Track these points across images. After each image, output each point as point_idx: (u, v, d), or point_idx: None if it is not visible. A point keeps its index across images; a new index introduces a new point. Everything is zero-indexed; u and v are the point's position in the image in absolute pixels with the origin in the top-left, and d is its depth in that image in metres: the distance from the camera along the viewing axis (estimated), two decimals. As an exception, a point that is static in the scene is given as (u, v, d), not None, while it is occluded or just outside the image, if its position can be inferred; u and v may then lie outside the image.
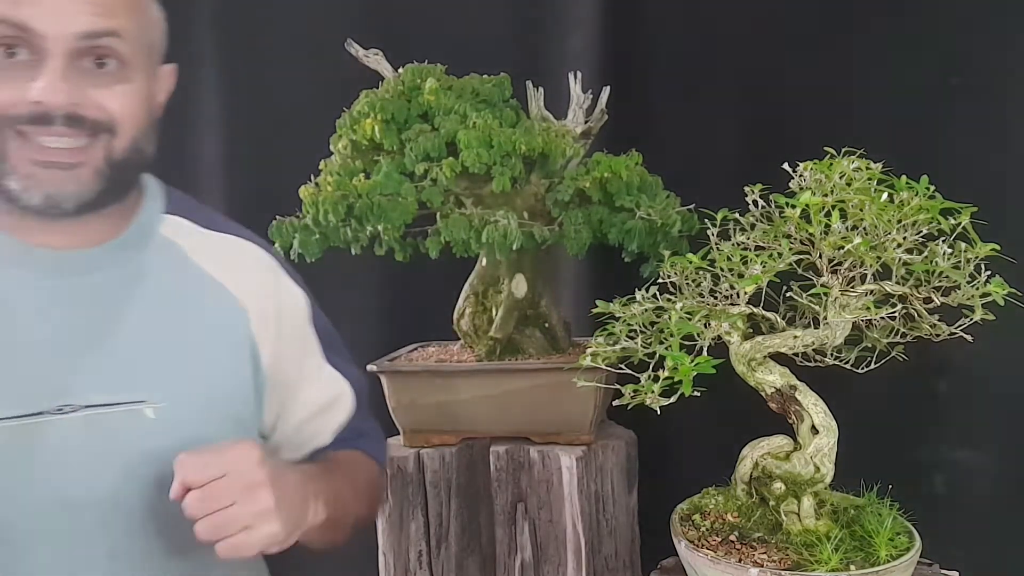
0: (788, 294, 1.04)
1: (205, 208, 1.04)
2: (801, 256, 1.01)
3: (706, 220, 1.07)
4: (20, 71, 0.81)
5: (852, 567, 0.95)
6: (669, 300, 1.03)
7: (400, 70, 1.39)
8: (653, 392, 0.95)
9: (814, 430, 1.05)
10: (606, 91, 1.41)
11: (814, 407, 1.05)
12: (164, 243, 0.96)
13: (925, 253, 0.98)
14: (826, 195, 1.00)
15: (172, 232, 0.97)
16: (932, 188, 1.00)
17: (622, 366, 1.00)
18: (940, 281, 0.98)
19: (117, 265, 0.92)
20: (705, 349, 0.97)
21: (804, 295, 1.02)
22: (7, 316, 0.87)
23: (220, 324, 0.96)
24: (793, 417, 1.07)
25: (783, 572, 0.95)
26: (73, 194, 0.84)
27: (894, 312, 0.99)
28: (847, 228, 0.98)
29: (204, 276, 0.96)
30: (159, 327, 0.92)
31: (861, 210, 0.98)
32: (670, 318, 0.99)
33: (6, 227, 0.88)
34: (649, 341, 1.01)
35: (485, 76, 1.40)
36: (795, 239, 1.01)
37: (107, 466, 0.89)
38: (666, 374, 0.95)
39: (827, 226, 0.97)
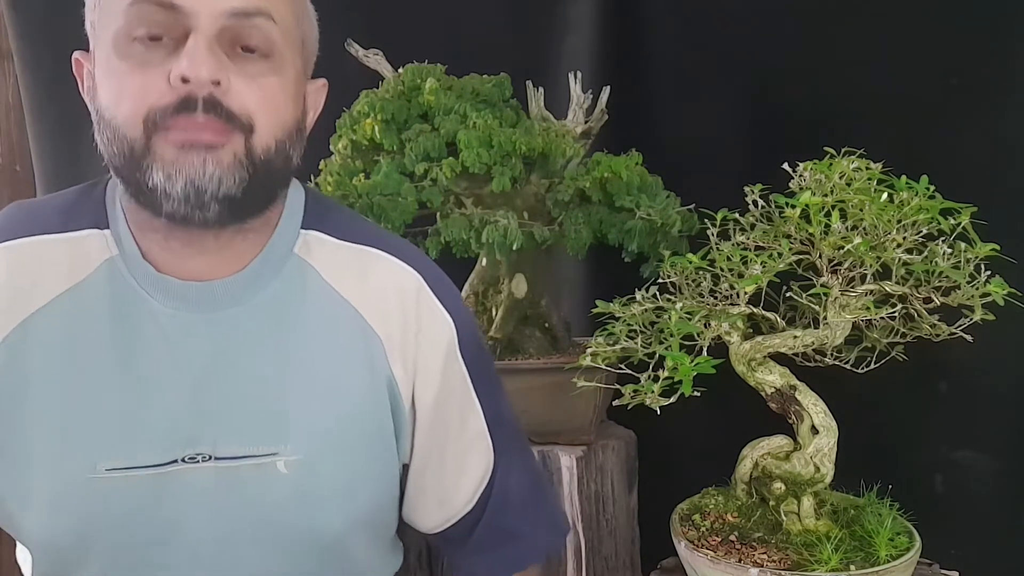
0: (788, 294, 1.04)
1: (346, 213, 0.96)
2: (801, 256, 1.01)
3: (706, 220, 1.07)
4: (164, 57, 0.74)
5: (852, 567, 0.95)
6: (669, 300, 1.03)
7: (400, 70, 1.39)
8: (653, 392, 0.95)
9: (814, 430, 1.06)
10: (606, 91, 1.41)
11: (814, 407, 1.05)
12: (298, 266, 0.87)
13: (925, 253, 0.98)
14: (826, 195, 1.00)
15: (306, 251, 0.87)
16: (932, 188, 1.00)
17: (622, 366, 1.01)
18: (940, 281, 0.98)
19: (250, 296, 0.84)
20: (705, 349, 0.97)
21: (804, 295, 1.02)
22: (144, 355, 0.81)
23: (355, 358, 0.86)
24: (793, 417, 1.07)
25: (783, 572, 0.95)
26: (215, 178, 0.75)
27: (894, 312, 0.99)
28: (847, 228, 0.98)
29: (338, 301, 0.87)
30: (291, 367, 0.84)
31: (861, 210, 0.98)
32: (670, 318, 0.99)
33: (150, 249, 0.82)
34: (649, 341, 1.01)
35: (485, 76, 1.40)
36: (795, 239, 1.01)
37: (234, 521, 0.83)
38: (666, 374, 0.95)
39: (827, 226, 0.97)
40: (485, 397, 0.94)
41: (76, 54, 0.83)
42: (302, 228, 0.88)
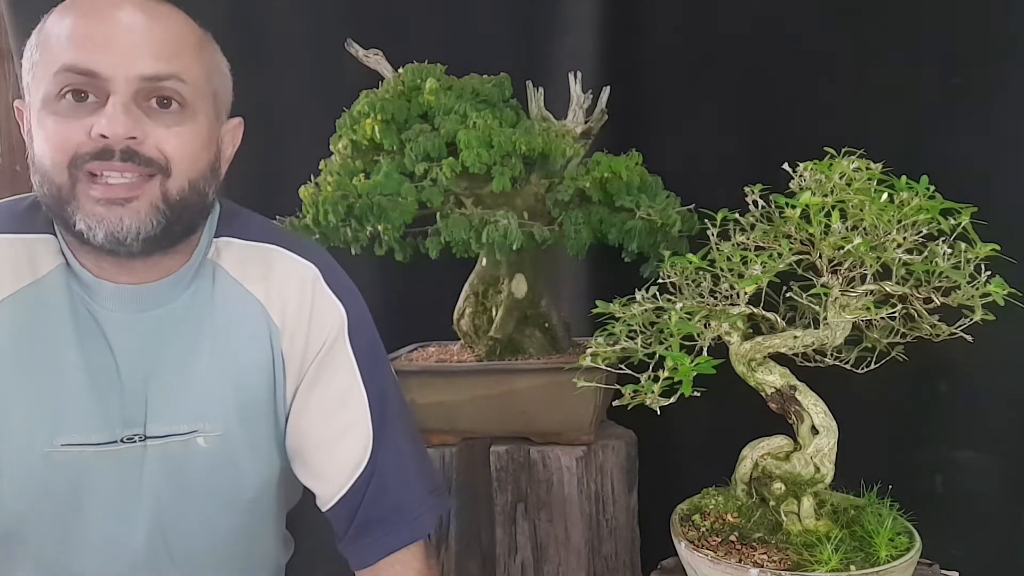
0: (788, 294, 1.04)
1: (253, 217, 1.07)
2: (801, 256, 1.01)
3: (706, 220, 1.07)
4: (88, 113, 0.86)
5: (852, 567, 0.95)
6: (669, 300, 1.03)
7: (400, 70, 1.39)
8: (653, 392, 0.95)
9: (814, 430, 1.05)
10: (606, 91, 1.41)
11: (814, 407, 1.05)
12: (211, 268, 1.00)
13: (925, 253, 0.98)
14: (826, 195, 1.00)
15: (216, 255, 1.00)
16: (932, 188, 1.00)
17: (622, 366, 1.00)
18: (940, 281, 0.98)
19: (172, 298, 0.97)
20: (705, 349, 0.97)
21: (804, 295, 1.02)
22: (88, 347, 0.93)
23: (259, 344, 1.00)
24: (793, 417, 1.07)
25: (783, 572, 0.95)
26: (132, 229, 0.87)
27: (894, 312, 0.99)
28: (847, 228, 0.98)
29: (244, 295, 1.00)
30: (206, 357, 0.97)
31: (861, 210, 0.98)
32: (670, 318, 0.99)
33: (85, 261, 0.93)
34: (649, 341, 1.01)
35: (485, 76, 1.40)
36: (795, 239, 1.01)
37: (166, 489, 0.97)
38: (666, 374, 0.95)
39: (827, 226, 0.97)
40: (370, 382, 1.04)
41: (16, 102, 0.95)
42: (214, 236, 1.01)
